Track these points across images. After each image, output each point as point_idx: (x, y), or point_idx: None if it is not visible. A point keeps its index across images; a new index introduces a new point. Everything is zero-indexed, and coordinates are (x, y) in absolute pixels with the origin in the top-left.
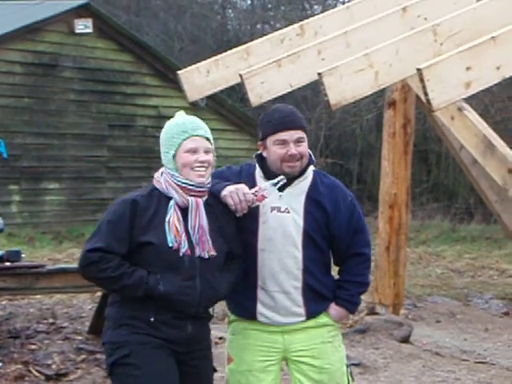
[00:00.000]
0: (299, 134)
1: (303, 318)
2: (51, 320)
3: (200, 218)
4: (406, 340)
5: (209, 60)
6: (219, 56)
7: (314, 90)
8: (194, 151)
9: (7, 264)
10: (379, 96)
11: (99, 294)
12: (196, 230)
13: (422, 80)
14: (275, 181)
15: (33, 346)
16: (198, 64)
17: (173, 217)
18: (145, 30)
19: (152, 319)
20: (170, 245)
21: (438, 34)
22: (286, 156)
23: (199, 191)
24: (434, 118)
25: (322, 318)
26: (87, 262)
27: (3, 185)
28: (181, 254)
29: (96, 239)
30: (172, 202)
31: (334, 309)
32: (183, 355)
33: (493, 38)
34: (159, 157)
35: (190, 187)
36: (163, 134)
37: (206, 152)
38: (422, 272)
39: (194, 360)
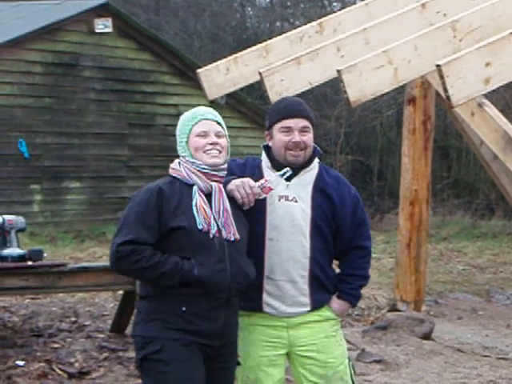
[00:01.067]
0: (304, 122)
1: (308, 308)
2: (73, 318)
3: (224, 201)
4: (427, 336)
5: (228, 58)
6: (238, 54)
7: (333, 88)
8: (204, 134)
9: (29, 263)
10: (399, 92)
11: (121, 292)
12: (221, 213)
13: (441, 76)
14: (281, 172)
15: (55, 345)
16: (218, 62)
17: (199, 200)
18: (164, 28)
19: (184, 309)
20: (200, 227)
21: (457, 30)
22: (289, 143)
23: (219, 176)
24: (454, 113)
25: (325, 312)
26: (119, 256)
27: (25, 184)
28: (211, 236)
29: (125, 231)
30: (195, 188)
31: (336, 302)
32: (214, 350)
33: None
34: (178, 157)
35: (211, 172)
36: (177, 127)
37: (218, 135)
38: (443, 268)
39: (223, 355)
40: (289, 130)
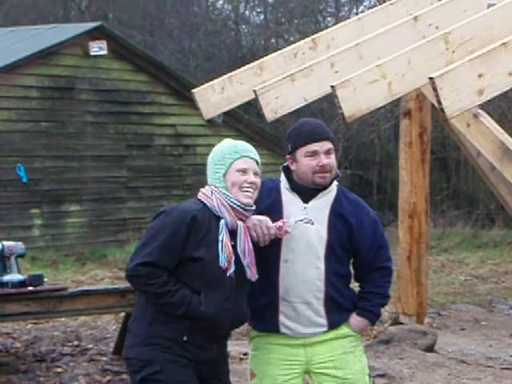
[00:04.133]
0: (329, 145)
1: (325, 329)
2: (76, 342)
3: (248, 241)
4: (430, 349)
5: (223, 77)
6: (233, 73)
7: (330, 103)
8: (244, 171)
9: (30, 288)
10: (396, 105)
11: (123, 314)
12: (247, 253)
13: (434, 89)
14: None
15: (58, 369)
16: (213, 81)
17: (225, 237)
18: (159, 49)
19: (185, 338)
20: (221, 264)
21: (450, 42)
22: (316, 167)
23: (246, 216)
24: (450, 125)
25: (343, 329)
26: (135, 274)
27: (25, 209)
28: (228, 275)
29: (148, 250)
30: (223, 222)
31: (355, 319)
32: (205, 373)
33: (504, 44)
34: (178, 175)
35: (241, 210)
36: (214, 154)
37: (255, 174)
38: (445, 280)
39: (216, 375)
40: (315, 153)
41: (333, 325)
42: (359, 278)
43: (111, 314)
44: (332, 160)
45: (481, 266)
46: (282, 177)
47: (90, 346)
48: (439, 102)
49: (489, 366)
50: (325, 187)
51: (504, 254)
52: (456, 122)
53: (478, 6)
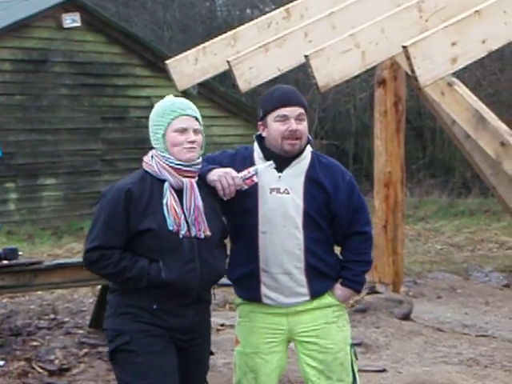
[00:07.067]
0: (300, 110)
1: (307, 298)
2: (52, 316)
3: (195, 198)
4: (406, 317)
5: (196, 48)
6: (206, 43)
7: (305, 73)
8: (183, 131)
9: (5, 262)
10: (371, 75)
11: (99, 287)
12: (192, 210)
13: (408, 57)
14: (266, 165)
15: (35, 343)
16: (186, 52)
17: (170, 199)
18: (134, 20)
19: (155, 307)
20: (171, 228)
21: (423, 11)
22: (286, 132)
23: (192, 171)
24: (424, 94)
25: (326, 299)
26: (88, 262)
27: None
28: (180, 236)
29: (93, 236)
30: (166, 185)
31: (339, 289)
32: (185, 343)
33: (477, 12)
34: (152, 148)
35: (184, 168)
36: (152, 115)
37: (195, 132)
38: (421, 249)
39: (195, 346)
40: (285, 118)
41: (315, 294)
42: (338, 243)
43: (87, 287)
44: (303, 126)
45: (457, 235)
46: (256, 146)
47: (67, 319)
48: (413, 71)
49: (465, 334)
50: (298, 154)
51: (480, 222)
52: (430, 91)
53: None
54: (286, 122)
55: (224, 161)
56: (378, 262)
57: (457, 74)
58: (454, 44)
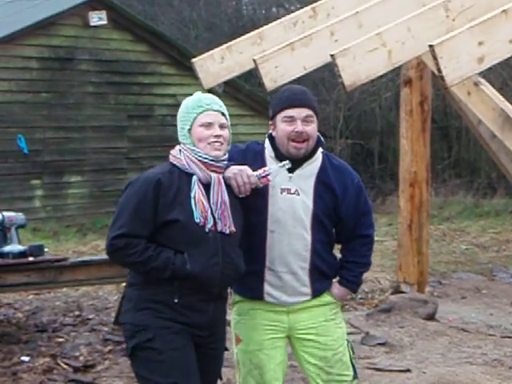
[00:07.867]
0: (308, 112)
1: (309, 297)
2: (77, 312)
3: (222, 193)
4: (431, 317)
5: (222, 46)
6: (233, 42)
7: (331, 72)
8: (208, 125)
9: (30, 259)
10: (397, 74)
11: (124, 284)
12: (219, 205)
13: (434, 57)
14: (280, 164)
15: (60, 339)
16: (212, 51)
17: (198, 192)
18: (160, 19)
19: (176, 300)
20: (197, 221)
21: (450, 10)
22: (292, 133)
23: (219, 167)
24: (450, 93)
25: (325, 297)
26: (113, 249)
27: (25, 180)
28: (206, 230)
29: (120, 223)
30: (195, 178)
31: (337, 288)
32: (203, 339)
33: (504, 11)
34: (179, 144)
35: (211, 162)
36: (180, 111)
37: (222, 127)
38: (446, 249)
39: (212, 343)
40: (292, 119)
41: (316, 293)
42: (340, 242)
43: (112, 285)
44: (311, 128)
45: (482, 235)
46: (267, 144)
47: (92, 316)
48: (439, 70)
49: (490, 335)
50: (310, 156)
51: (505, 222)
52: (456, 90)
53: None
54: (293, 123)
55: (235, 156)
56: (403, 261)
57: (483, 74)
58: (480, 43)
